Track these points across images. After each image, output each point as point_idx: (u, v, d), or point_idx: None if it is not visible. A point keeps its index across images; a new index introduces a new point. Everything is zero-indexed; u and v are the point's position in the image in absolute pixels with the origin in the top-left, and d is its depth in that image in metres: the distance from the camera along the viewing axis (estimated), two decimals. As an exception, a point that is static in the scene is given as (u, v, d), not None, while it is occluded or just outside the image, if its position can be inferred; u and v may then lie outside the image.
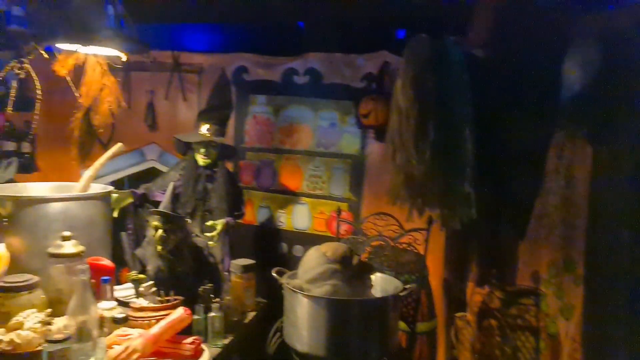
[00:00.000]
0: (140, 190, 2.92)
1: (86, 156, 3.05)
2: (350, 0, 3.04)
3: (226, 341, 2.11)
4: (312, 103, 3.46)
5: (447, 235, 2.84)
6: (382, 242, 2.58)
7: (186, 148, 2.98)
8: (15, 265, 2.09)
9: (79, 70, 2.74)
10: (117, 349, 1.77)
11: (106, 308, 2.03)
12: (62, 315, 1.86)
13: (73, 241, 2.11)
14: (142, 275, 2.38)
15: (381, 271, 2.41)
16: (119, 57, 2.61)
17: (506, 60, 2.46)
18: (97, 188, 2.60)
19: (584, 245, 2.22)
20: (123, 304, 2.27)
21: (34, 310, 1.88)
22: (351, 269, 2.09)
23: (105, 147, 3.31)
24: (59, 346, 1.59)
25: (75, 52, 2.48)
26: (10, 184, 2.70)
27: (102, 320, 1.92)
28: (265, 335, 2.33)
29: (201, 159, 2.89)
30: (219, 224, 2.81)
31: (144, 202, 2.92)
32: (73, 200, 2.31)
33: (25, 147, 3.89)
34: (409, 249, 2.61)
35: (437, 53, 2.26)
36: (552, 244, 2.34)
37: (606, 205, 2.15)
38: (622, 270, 2.04)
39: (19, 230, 2.16)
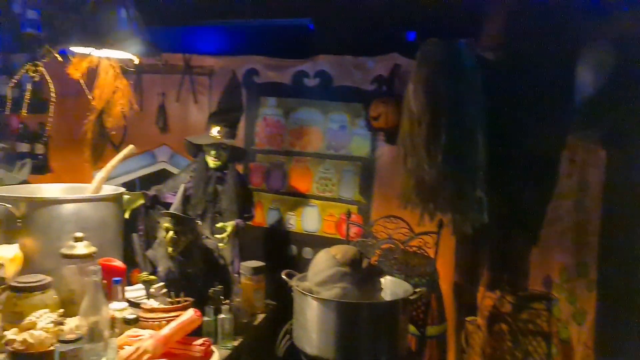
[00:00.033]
0: (151, 192, 2.95)
1: (99, 158, 3.08)
2: (361, 3, 3.04)
3: (236, 343, 2.12)
4: (322, 105, 3.46)
5: (458, 239, 2.82)
6: (392, 245, 2.57)
7: (197, 150, 2.99)
8: (28, 266, 2.11)
9: (92, 73, 2.77)
10: (128, 349, 1.78)
11: (117, 309, 2.04)
12: (74, 316, 1.87)
13: (85, 242, 2.13)
14: (152, 277, 2.39)
15: (391, 274, 2.40)
16: (131, 60, 2.64)
17: (518, 64, 2.44)
18: (109, 190, 2.62)
19: (597, 250, 2.20)
20: (134, 304, 2.29)
21: (47, 310, 1.89)
22: (361, 272, 2.08)
23: (117, 149, 3.34)
24: (71, 346, 1.60)
25: (89, 55, 2.51)
26: (24, 185, 2.73)
27: (113, 321, 1.94)
28: (275, 337, 2.33)
29: (212, 161, 2.91)
30: (229, 225, 2.83)
31: (155, 203, 2.94)
32: (86, 202, 2.33)
33: (39, 149, 3.94)
34: (419, 252, 2.59)
35: (449, 57, 2.25)
36: (564, 249, 2.32)
37: (620, 210, 2.13)
38: (635, 275, 2.02)
39: (33, 231, 2.18)
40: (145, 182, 3.74)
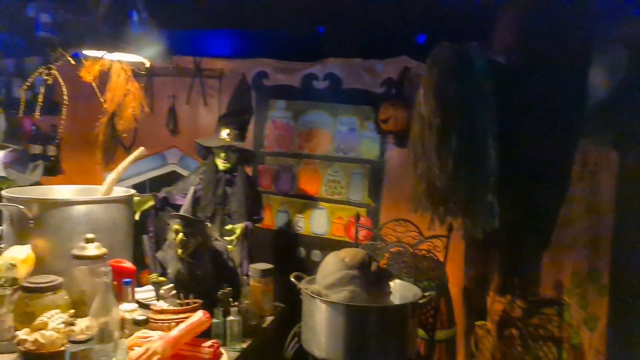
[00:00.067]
0: (161, 194, 2.97)
1: (110, 160, 3.11)
2: (371, 5, 3.04)
3: (244, 345, 2.12)
4: (332, 108, 3.47)
5: (468, 243, 2.81)
6: (401, 249, 2.56)
7: (206, 152, 3.01)
8: (40, 266, 2.14)
9: (104, 76, 2.80)
10: (138, 350, 1.79)
11: (127, 310, 2.05)
12: (85, 316, 1.89)
13: (96, 243, 2.15)
14: (162, 278, 2.41)
15: (400, 278, 2.39)
16: (142, 63, 2.66)
17: (530, 66, 2.43)
18: (119, 191, 2.64)
19: (609, 255, 2.17)
20: (144, 306, 2.30)
21: (58, 310, 1.91)
22: (369, 275, 2.07)
23: (128, 151, 3.37)
24: (81, 347, 1.61)
25: (101, 58, 2.54)
26: (36, 186, 2.76)
27: (123, 322, 1.95)
28: (283, 340, 2.33)
29: (221, 164, 2.92)
30: (238, 228, 2.83)
31: (165, 205, 2.96)
32: (97, 204, 2.35)
33: (51, 151, 3.99)
34: (428, 255, 2.58)
35: (460, 61, 2.24)
36: (576, 253, 2.30)
37: (632, 213, 2.11)
38: (649, 281, 1.99)
39: (45, 232, 2.20)
40: (155, 184, 3.77)
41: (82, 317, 1.92)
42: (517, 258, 2.58)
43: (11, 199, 2.23)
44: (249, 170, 3.32)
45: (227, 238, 2.73)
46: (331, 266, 2.09)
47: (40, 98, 2.70)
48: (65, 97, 2.76)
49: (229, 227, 2.83)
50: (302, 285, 2.11)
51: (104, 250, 2.15)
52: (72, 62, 2.53)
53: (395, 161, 3.29)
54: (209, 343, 1.92)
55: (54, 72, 2.53)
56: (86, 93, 2.92)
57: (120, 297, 2.11)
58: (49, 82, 2.57)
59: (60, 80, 2.64)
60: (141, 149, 2.71)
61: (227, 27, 3.65)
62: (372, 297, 2.03)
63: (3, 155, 2.85)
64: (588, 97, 2.25)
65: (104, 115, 3.00)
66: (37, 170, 3.00)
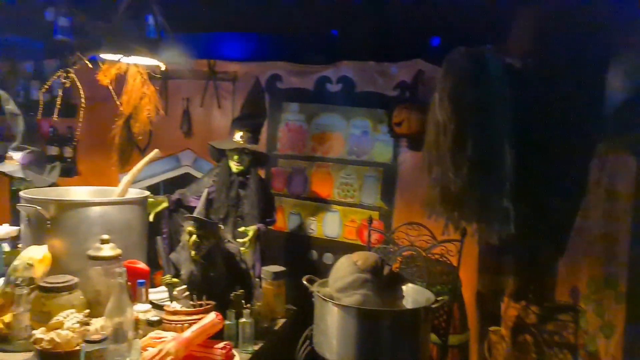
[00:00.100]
0: (175, 196, 2.99)
1: (126, 162, 3.15)
2: (385, 9, 3.04)
3: (256, 347, 2.12)
4: (345, 111, 3.47)
5: (482, 248, 2.78)
6: (414, 253, 2.55)
7: (220, 155, 3.03)
8: (56, 266, 2.17)
9: (120, 79, 2.84)
10: (151, 351, 1.81)
11: (141, 310, 2.07)
12: (100, 316, 1.91)
13: (111, 244, 2.17)
14: (175, 280, 2.43)
15: (412, 282, 2.37)
16: (158, 67, 2.69)
17: (546, 70, 2.40)
18: (134, 193, 2.67)
19: (626, 261, 2.14)
20: (157, 307, 2.32)
21: (73, 310, 1.94)
22: (382, 279, 2.06)
23: (143, 153, 3.41)
24: (96, 346, 1.63)
25: (118, 62, 2.57)
26: (53, 187, 2.81)
27: (137, 322, 1.97)
28: (295, 342, 2.33)
29: (234, 166, 2.94)
30: (251, 230, 2.84)
31: (179, 207, 2.98)
32: (112, 205, 2.38)
33: (68, 152, 4.05)
34: (441, 260, 2.56)
35: (475, 66, 2.22)
36: (592, 259, 2.26)
37: (651, 220, 2.07)
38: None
39: (61, 232, 2.24)
40: (169, 185, 3.80)
41: (97, 317, 1.95)
42: (532, 264, 2.54)
43: (29, 200, 2.27)
44: (261, 172, 3.33)
45: (239, 240, 2.74)
46: (343, 269, 2.09)
47: (59, 101, 2.74)
48: (83, 100, 2.80)
49: (241, 229, 2.84)
50: (314, 288, 2.11)
51: (118, 251, 2.17)
52: (90, 65, 2.57)
53: (408, 164, 3.27)
54: (221, 345, 1.93)
55: (72, 75, 2.57)
56: (103, 96, 2.96)
57: (134, 298, 2.13)
58: (67, 85, 2.61)
59: (78, 83, 2.68)
60: (155, 151, 2.74)
61: (241, 30, 3.68)
62: (385, 301, 2.03)
63: (21, 157, 2.90)
64: (605, 101, 2.22)
65: (120, 117, 3.04)
66: (54, 172, 3.05)
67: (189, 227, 2.26)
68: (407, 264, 2.63)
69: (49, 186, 2.86)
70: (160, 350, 1.79)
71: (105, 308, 1.80)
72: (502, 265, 2.73)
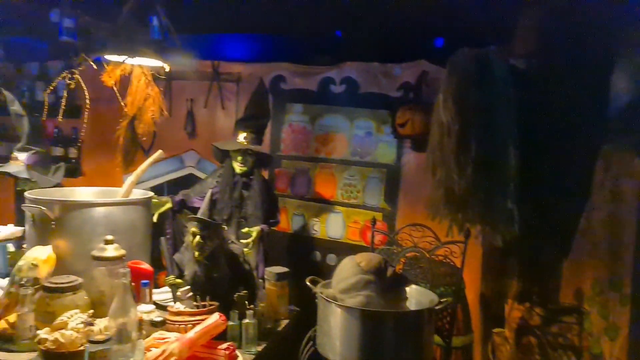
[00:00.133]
0: (179, 197, 3.00)
1: (130, 163, 3.16)
2: (389, 9, 3.04)
3: (259, 348, 2.12)
4: (349, 112, 3.47)
5: (486, 249, 2.77)
6: (417, 254, 2.54)
7: (224, 156, 3.03)
8: (60, 267, 2.18)
9: (125, 81, 2.85)
10: (155, 351, 1.81)
11: (145, 311, 2.08)
12: (104, 317, 1.92)
13: (115, 245, 2.18)
14: (179, 280, 2.43)
15: (416, 283, 2.37)
16: (162, 68, 2.70)
17: (551, 71, 2.39)
18: (138, 194, 2.68)
19: (631, 263, 2.12)
20: (161, 307, 2.32)
21: (78, 310, 1.94)
22: (385, 280, 2.06)
23: (147, 153, 3.42)
24: (100, 347, 1.64)
25: (123, 63, 2.58)
26: (57, 188, 2.82)
27: (141, 323, 1.97)
28: (298, 343, 2.33)
29: (238, 167, 2.94)
30: (254, 231, 2.85)
31: (182, 207, 2.99)
32: (116, 205, 2.39)
33: (72, 153, 4.07)
34: (445, 261, 2.56)
35: (480, 67, 2.21)
36: (597, 261, 2.25)
37: (656, 221, 2.06)
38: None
39: (66, 232, 2.24)
40: (173, 186, 3.81)
41: (100, 318, 1.95)
42: (536, 265, 2.53)
43: (34, 200, 2.28)
44: (265, 173, 3.33)
45: (243, 241, 2.75)
46: (347, 270, 2.08)
47: (63, 102, 2.76)
48: (87, 101, 2.81)
49: (245, 230, 2.84)
50: (317, 289, 2.11)
51: (122, 251, 2.18)
52: (94, 66, 2.58)
53: (412, 165, 3.27)
54: (224, 345, 1.93)
55: (77, 76, 2.58)
56: (107, 97, 2.97)
57: (138, 298, 2.14)
58: (72, 86, 2.62)
59: (82, 84, 2.69)
60: (159, 152, 2.75)
61: (245, 31, 3.69)
62: (388, 302, 2.02)
63: (26, 157, 2.91)
64: (610, 102, 2.21)
65: (124, 118, 3.05)
66: (58, 172, 3.05)
67: (193, 227, 2.26)
68: (410, 265, 2.63)
69: (54, 187, 2.87)
70: (163, 351, 1.79)
71: (109, 308, 1.81)
72: (506, 266, 2.72)
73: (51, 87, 2.82)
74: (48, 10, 2.83)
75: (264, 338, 2.19)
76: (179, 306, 2.15)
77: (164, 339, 1.90)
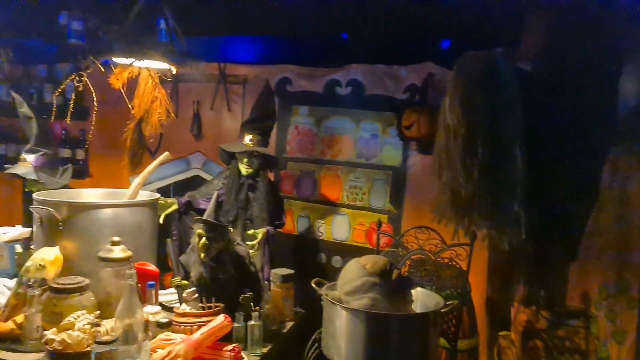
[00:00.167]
0: (185, 198, 3.01)
1: (137, 164, 3.18)
2: (394, 11, 3.04)
3: (265, 350, 2.13)
4: (354, 114, 3.47)
5: (492, 252, 2.76)
6: (423, 256, 2.53)
7: (230, 157, 3.04)
8: (68, 268, 2.19)
9: (132, 83, 2.86)
10: (161, 352, 1.82)
11: (151, 312, 2.09)
12: (110, 317, 1.93)
13: (122, 246, 2.19)
14: (185, 282, 2.44)
15: (421, 286, 2.36)
16: (169, 70, 2.71)
17: (558, 74, 2.38)
18: (144, 195, 2.69)
19: (639, 266, 2.11)
20: (167, 308, 2.33)
21: (84, 311, 1.95)
22: (391, 283, 2.06)
23: (153, 155, 3.43)
24: (106, 348, 1.65)
25: (130, 65, 2.59)
26: (65, 189, 2.84)
27: (147, 324, 1.98)
28: (303, 345, 2.33)
29: (244, 169, 2.95)
30: (260, 232, 2.85)
31: (188, 209, 3.00)
32: (123, 207, 2.40)
33: (80, 155, 4.10)
34: (451, 264, 2.55)
35: (486, 70, 2.21)
36: (604, 265, 2.23)
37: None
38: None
39: (73, 234, 2.26)
40: (179, 188, 3.83)
41: (107, 319, 1.96)
42: (543, 268, 2.52)
43: (41, 202, 2.30)
44: (271, 175, 3.34)
45: (249, 243, 2.75)
46: (352, 273, 2.08)
47: (71, 104, 2.78)
48: (95, 103, 2.83)
49: (250, 231, 2.85)
50: (322, 291, 2.11)
51: (129, 253, 2.19)
52: (102, 69, 2.60)
53: (418, 168, 3.26)
54: (230, 347, 1.94)
55: (85, 78, 2.60)
56: (114, 99, 2.99)
57: (144, 300, 2.15)
58: (80, 88, 2.64)
59: (90, 86, 2.71)
60: (166, 153, 2.76)
61: (251, 33, 3.70)
62: (393, 304, 2.02)
63: (34, 159, 2.94)
64: (617, 105, 2.20)
65: (132, 120, 3.07)
66: (66, 174, 3.08)
67: (199, 229, 2.27)
68: (416, 267, 2.62)
69: (61, 188, 2.89)
70: (169, 352, 1.80)
71: (115, 309, 1.82)
72: (512, 269, 2.71)
73: (59, 90, 2.84)
74: (57, 13, 2.86)
75: (269, 340, 2.19)
76: (185, 307, 2.16)
77: (169, 340, 1.91)
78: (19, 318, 1.99)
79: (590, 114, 2.27)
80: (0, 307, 2.11)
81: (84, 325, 1.86)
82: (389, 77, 3.35)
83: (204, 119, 3.86)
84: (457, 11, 2.81)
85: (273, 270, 2.54)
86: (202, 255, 2.26)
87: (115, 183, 3.22)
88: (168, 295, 2.56)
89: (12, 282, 2.32)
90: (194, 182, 3.73)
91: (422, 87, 3.22)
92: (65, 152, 4.08)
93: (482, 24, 2.78)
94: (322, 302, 2.11)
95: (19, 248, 2.72)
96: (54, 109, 2.89)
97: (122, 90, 2.81)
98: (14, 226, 2.86)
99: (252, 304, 2.19)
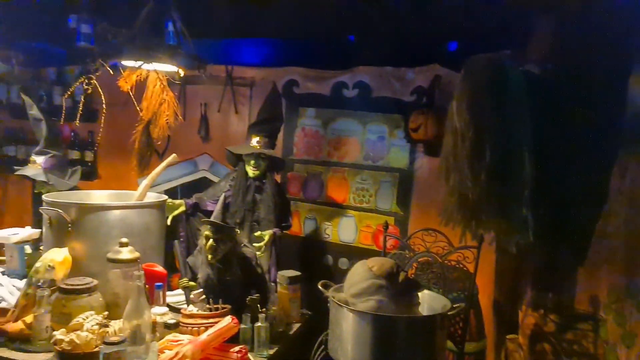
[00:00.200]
0: (192, 200, 3.02)
1: (145, 166, 3.19)
2: (402, 13, 3.04)
3: (271, 352, 2.13)
4: (361, 116, 3.47)
5: (499, 255, 2.75)
6: (430, 259, 2.53)
7: (237, 159, 3.05)
8: (76, 269, 2.21)
9: (140, 85, 2.89)
10: (168, 353, 1.83)
11: (159, 313, 2.10)
12: (118, 318, 1.94)
13: (130, 247, 2.20)
14: (192, 283, 2.45)
15: (428, 288, 2.36)
16: (177, 73, 2.73)
17: (566, 76, 2.36)
18: (152, 197, 2.71)
19: (648, 270, 2.09)
20: (174, 310, 2.35)
21: (93, 312, 1.97)
22: (397, 285, 2.05)
23: (161, 157, 3.45)
24: (114, 348, 1.66)
25: (139, 68, 2.61)
26: (74, 191, 2.86)
27: (154, 325, 1.99)
28: (310, 347, 2.33)
29: (251, 171, 2.96)
30: (267, 234, 2.86)
31: (196, 211, 3.02)
32: (131, 208, 2.42)
33: (88, 156, 4.13)
34: (458, 266, 2.54)
35: (494, 73, 2.19)
36: (613, 268, 2.21)
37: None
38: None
39: (82, 235, 2.28)
40: (187, 189, 3.85)
41: (115, 319, 1.98)
42: (551, 271, 2.50)
43: (51, 203, 2.32)
44: (278, 177, 3.35)
45: (255, 244, 2.76)
46: (359, 275, 2.08)
47: (80, 106, 2.81)
48: (104, 105, 2.86)
49: (257, 233, 2.86)
50: (329, 293, 2.11)
51: (137, 254, 2.20)
52: (111, 71, 2.62)
53: (425, 170, 3.26)
54: (236, 348, 1.95)
55: (94, 81, 2.63)
56: (123, 101, 3.01)
57: (152, 301, 2.16)
58: (89, 91, 2.67)
59: (99, 89, 2.74)
60: (173, 155, 2.78)
61: (258, 36, 3.71)
62: (400, 307, 2.02)
63: (44, 161, 2.97)
64: (626, 107, 2.18)
65: (140, 123, 3.09)
66: (75, 175, 3.11)
67: (206, 231, 2.28)
68: (423, 270, 2.62)
69: (70, 189, 2.92)
70: (177, 353, 1.81)
71: (123, 310, 1.83)
72: (520, 272, 2.69)
73: (69, 92, 2.87)
74: (66, 16, 2.89)
75: (275, 341, 2.20)
76: (192, 309, 2.17)
77: (177, 341, 1.92)
78: (29, 318, 2.01)
79: (599, 116, 2.26)
80: (10, 307, 2.13)
81: (92, 325, 1.88)
82: (396, 79, 3.35)
83: (212, 121, 3.87)
84: (465, 13, 2.80)
85: (280, 272, 2.54)
86: (210, 256, 2.27)
87: (124, 185, 3.25)
88: (175, 297, 2.58)
89: (22, 283, 2.34)
90: (202, 184, 3.74)
91: (429, 89, 3.21)
92: (74, 154, 4.11)
93: (490, 26, 2.78)
94: (328, 304, 2.11)
95: (28, 249, 2.75)
96: (63, 111, 2.92)
97: (131, 93, 2.83)
98: (24, 227, 2.89)
99: (258, 305, 2.20)
